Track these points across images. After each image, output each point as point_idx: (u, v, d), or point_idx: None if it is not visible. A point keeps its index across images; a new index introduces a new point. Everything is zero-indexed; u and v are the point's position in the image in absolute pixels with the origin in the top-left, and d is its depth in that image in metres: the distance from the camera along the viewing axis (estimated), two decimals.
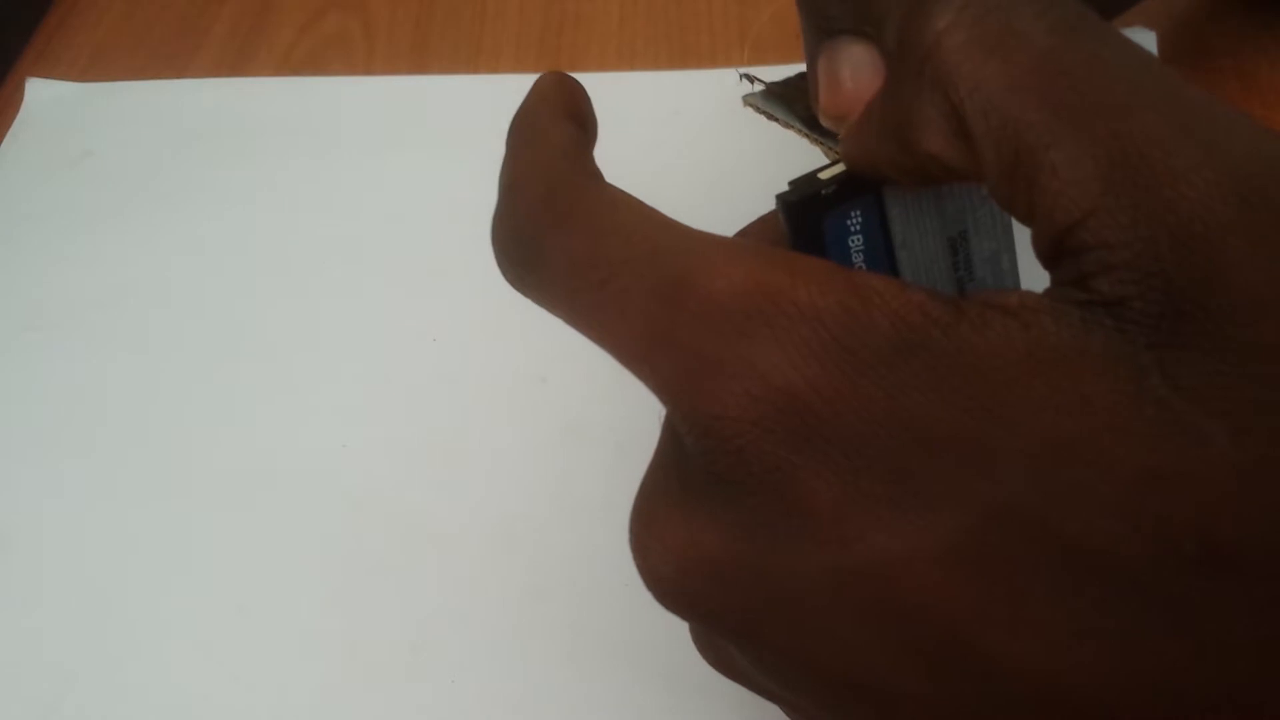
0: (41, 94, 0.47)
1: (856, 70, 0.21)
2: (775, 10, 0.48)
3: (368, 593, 0.32)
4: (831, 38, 0.22)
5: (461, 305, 0.38)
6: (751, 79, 0.26)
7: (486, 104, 0.45)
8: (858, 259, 0.21)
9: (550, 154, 0.19)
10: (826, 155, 0.23)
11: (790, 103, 0.24)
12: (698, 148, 0.42)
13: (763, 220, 0.22)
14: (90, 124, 0.46)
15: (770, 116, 0.25)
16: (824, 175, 0.20)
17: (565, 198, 0.18)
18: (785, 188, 0.20)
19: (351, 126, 0.45)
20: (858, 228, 0.20)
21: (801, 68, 0.24)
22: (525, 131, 0.20)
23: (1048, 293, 0.15)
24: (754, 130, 0.44)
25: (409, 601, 0.31)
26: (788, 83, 0.25)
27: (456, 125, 0.44)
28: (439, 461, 0.34)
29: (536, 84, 0.21)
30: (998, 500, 0.14)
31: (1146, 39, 0.45)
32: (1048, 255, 0.16)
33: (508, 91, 0.48)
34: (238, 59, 0.49)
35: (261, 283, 0.40)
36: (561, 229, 0.17)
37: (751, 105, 0.25)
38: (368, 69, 0.48)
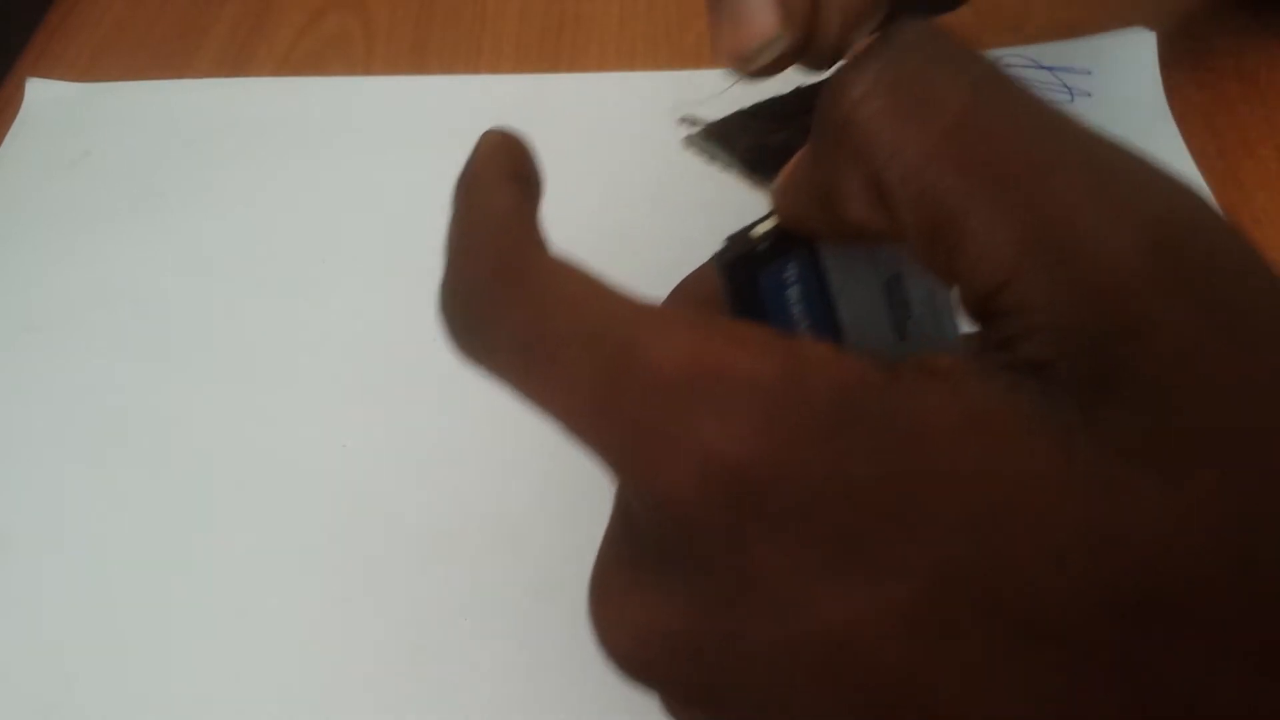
0: (41, 94, 0.47)
1: (750, 3, 0.23)
2: None
3: (368, 593, 0.32)
4: None
5: None
6: (692, 121, 0.26)
7: (486, 104, 0.45)
8: (796, 310, 0.21)
9: (496, 220, 0.19)
10: (765, 194, 0.23)
11: (731, 141, 0.24)
12: None
13: (698, 274, 0.22)
14: (90, 124, 0.46)
15: (711, 158, 0.25)
16: (758, 231, 0.20)
17: (513, 269, 0.18)
18: (723, 243, 0.21)
19: (351, 127, 0.45)
20: (794, 279, 0.21)
21: (743, 103, 0.24)
22: (470, 195, 0.19)
23: (977, 356, 0.16)
24: None
25: (409, 601, 0.31)
26: (727, 121, 0.25)
27: (456, 125, 0.44)
28: (439, 461, 0.34)
29: (480, 142, 0.20)
30: (942, 565, 0.15)
31: (1146, 39, 0.45)
32: (974, 315, 0.16)
33: (508, 91, 0.48)
34: (238, 59, 0.49)
35: (261, 282, 0.40)
36: (511, 302, 0.17)
37: (691, 147, 0.25)
38: (367, 69, 0.48)
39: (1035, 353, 0.15)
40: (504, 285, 0.18)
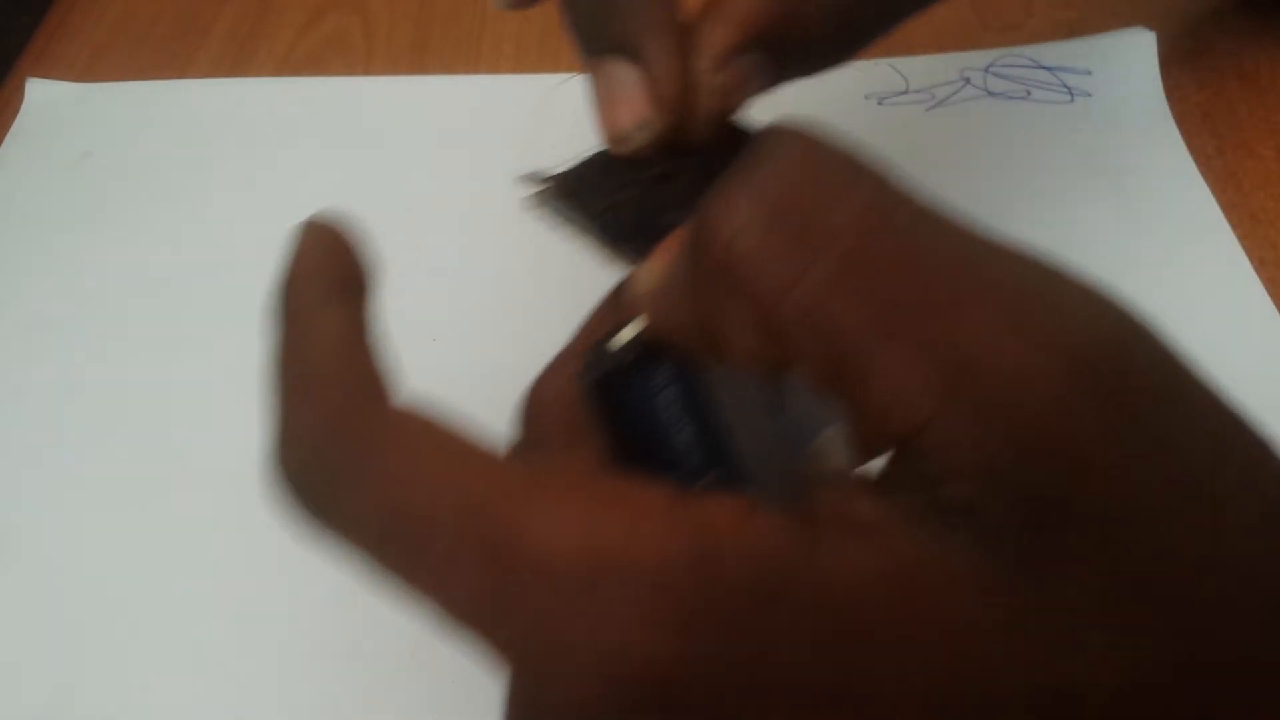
0: (41, 94, 0.47)
1: (625, 89, 0.22)
2: None
3: (368, 593, 0.32)
4: (599, 57, 0.23)
5: (462, 305, 0.38)
6: (535, 177, 0.23)
7: (486, 104, 0.45)
8: (671, 417, 0.19)
9: (328, 355, 0.16)
10: (624, 264, 0.21)
11: (584, 200, 0.22)
12: None
13: (555, 378, 0.20)
14: (90, 124, 0.46)
15: (562, 220, 0.22)
16: (620, 341, 0.18)
17: (357, 423, 0.16)
18: (585, 358, 0.19)
19: (351, 127, 0.45)
20: (665, 383, 0.18)
21: (593, 146, 0.23)
22: (293, 321, 0.17)
23: (899, 501, 0.14)
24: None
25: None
26: (576, 173, 0.23)
27: (456, 125, 0.44)
28: None
29: (296, 241, 0.18)
30: None
31: (1146, 39, 0.45)
32: (879, 450, 0.15)
33: (508, 92, 0.48)
34: (238, 59, 0.49)
35: (262, 283, 0.39)
36: (360, 469, 0.15)
37: (536, 208, 0.22)
38: (367, 69, 0.48)
39: (961, 495, 0.14)
40: (349, 446, 0.15)
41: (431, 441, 0.16)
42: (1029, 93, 0.44)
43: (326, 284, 0.17)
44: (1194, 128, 0.42)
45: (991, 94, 0.44)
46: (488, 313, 0.36)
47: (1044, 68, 0.45)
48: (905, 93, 0.44)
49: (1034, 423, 0.13)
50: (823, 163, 0.15)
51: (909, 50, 0.46)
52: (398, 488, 0.15)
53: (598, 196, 0.22)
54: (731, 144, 0.24)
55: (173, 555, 0.33)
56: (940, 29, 0.47)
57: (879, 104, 0.44)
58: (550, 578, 0.14)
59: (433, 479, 0.15)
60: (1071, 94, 0.43)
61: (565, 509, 0.15)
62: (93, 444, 0.36)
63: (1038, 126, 0.43)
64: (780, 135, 0.16)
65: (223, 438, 0.36)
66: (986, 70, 0.45)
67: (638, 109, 0.22)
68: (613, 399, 0.18)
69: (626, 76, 0.22)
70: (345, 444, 0.15)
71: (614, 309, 0.22)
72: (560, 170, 0.23)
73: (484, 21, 0.50)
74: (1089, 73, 0.44)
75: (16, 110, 0.47)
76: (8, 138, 0.46)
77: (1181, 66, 0.44)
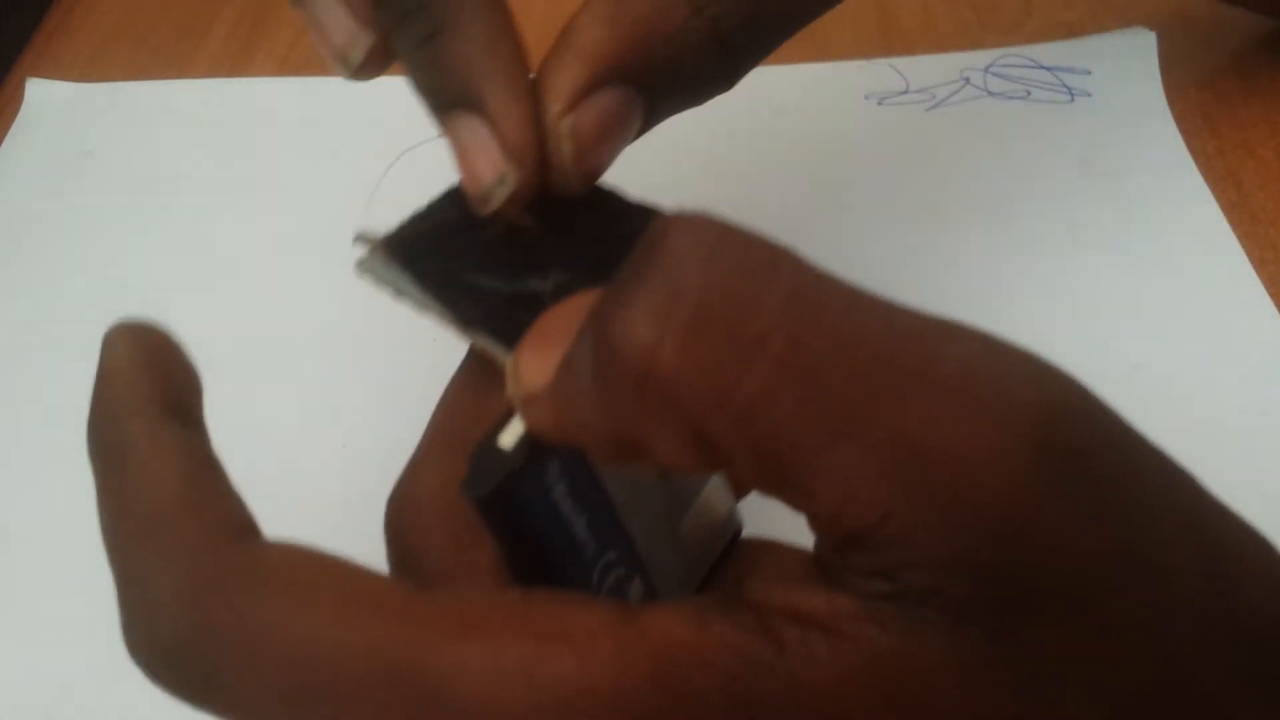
0: (42, 94, 0.47)
1: (475, 144, 0.20)
2: None
3: None
4: (445, 112, 0.21)
5: None
6: (366, 239, 0.21)
7: None
8: (567, 510, 0.17)
9: (175, 507, 0.14)
10: (476, 344, 0.19)
11: (418, 265, 0.20)
12: (697, 146, 0.42)
13: (427, 481, 0.19)
14: (90, 124, 0.46)
15: (396, 290, 0.20)
16: (506, 442, 0.16)
17: (227, 584, 0.14)
18: (469, 464, 0.17)
19: (351, 127, 0.45)
20: (558, 477, 0.17)
21: (434, 191, 0.21)
22: (120, 464, 0.15)
23: (857, 592, 0.14)
24: (754, 128, 0.44)
25: None
26: (408, 231, 0.21)
27: None
28: None
29: (104, 359, 0.15)
30: None
31: (1146, 39, 0.45)
32: (830, 543, 0.14)
33: None
34: (238, 59, 0.49)
35: (262, 282, 0.40)
36: (241, 639, 0.13)
37: (367, 275, 0.21)
38: None
39: (923, 581, 0.13)
40: (224, 601, 0.13)
41: (321, 581, 0.14)
42: (1029, 93, 0.44)
43: (153, 407, 0.15)
44: (1194, 128, 0.42)
45: (991, 94, 0.44)
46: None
47: (1044, 68, 0.45)
48: (905, 93, 0.44)
49: (996, 506, 0.13)
50: (735, 252, 0.14)
51: (909, 50, 0.46)
52: (297, 646, 0.13)
53: (438, 261, 0.20)
54: (590, 204, 0.22)
55: None
56: (940, 29, 0.47)
57: (879, 104, 0.44)
58: None
59: (337, 630, 0.13)
60: (1071, 94, 0.43)
61: (504, 650, 0.13)
62: None
63: (1037, 127, 0.43)
64: (681, 223, 0.14)
65: (223, 437, 0.36)
66: (986, 70, 0.45)
67: (491, 163, 0.20)
68: (507, 503, 0.16)
69: (475, 130, 0.21)
70: (219, 599, 0.13)
71: (472, 399, 0.20)
72: (393, 230, 0.21)
73: None
74: (1089, 73, 0.44)
75: (17, 110, 0.47)
76: (8, 137, 0.46)
77: (1181, 66, 0.44)
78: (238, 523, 0.15)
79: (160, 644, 0.14)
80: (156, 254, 0.41)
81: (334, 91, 0.47)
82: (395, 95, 0.47)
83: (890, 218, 0.40)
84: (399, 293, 0.20)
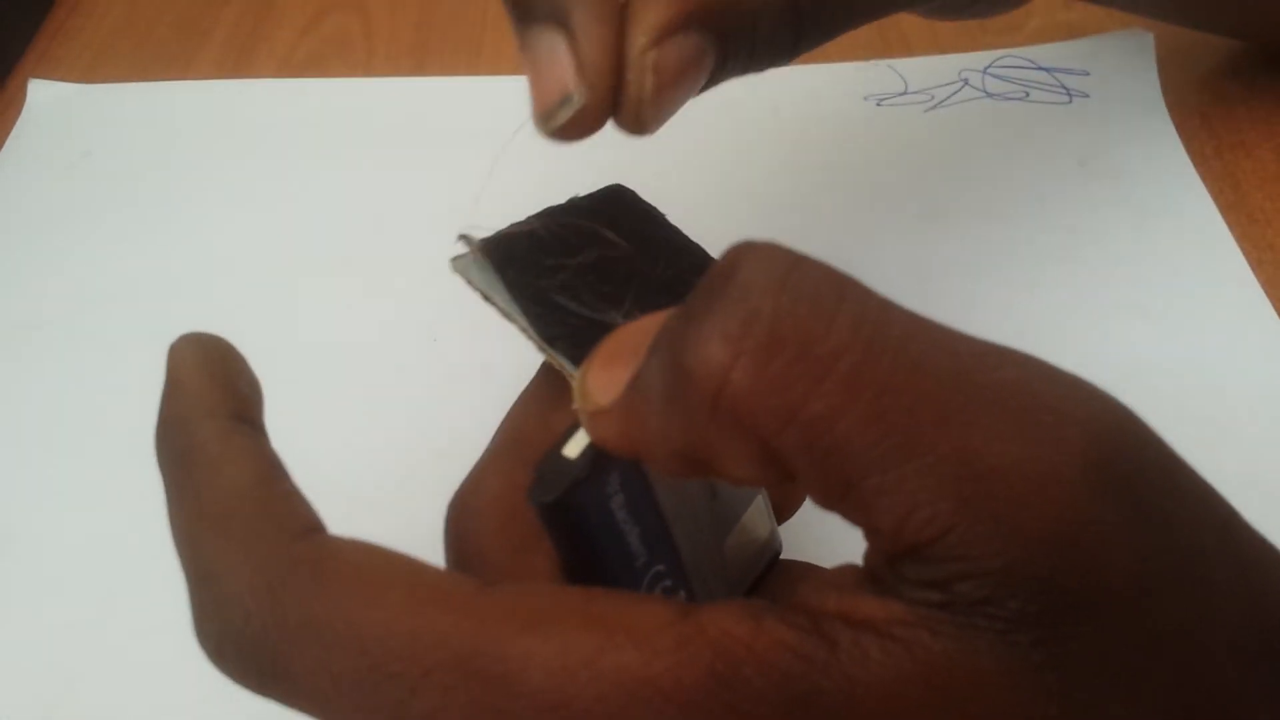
0: (43, 95, 0.47)
1: (551, 60, 0.20)
2: None
3: None
4: (527, 25, 0.21)
5: (462, 305, 0.38)
6: (467, 239, 0.21)
7: (486, 105, 0.46)
8: (621, 519, 0.18)
9: (247, 506, 0.15)
10: (552, 360, 0.20)
11: (510, 275, 0.21)
12: (697, 145, 0.42)
13: (490, 489, 0.19)
14: (91, 125, 0.46)
15: (484, 295, 0.21)
16: (572, 452, 0.17)
17: (300, 578, 0.14)
18: (535, 473, 0.18)
19: (352, 128, 0.45)
20: (617, 488, 0.18)
21: (532, 210, 0.21)
22: (192, 468, 0.16)
23: (912, 600, 0.14)
24: (754, 129, 0.44)
25: None
26: (508, 239, 0.21)
27: (457, 127, 0.44)
28: (440, 461, 0.34)
29: (170, 370, 0.16)
30: None
31: (1145, 40, 0.45)
32: (884, 556, 0.15)
33: (508, 93, 0.48)
34: (238, 60, 0.49)
35: (261, 283, 0.40)
36: (313, 630, 0.14)
37: (461, 274, 0.21)
38: (368, 70, 0.48)
39: (976, 592, 0.14)
40: (297, 594, 0.14)
41: (390, 574, 0.14)
42: (1027, 94, 0.44)
43: (222, 411, 0.16)
44: (1192, 128, 0.42)
45: (990, 95, 0.44)
46: (488, 313, 0.36)
47: (1042, 69, 0.45)
48: (904, 93, 0.44)
49: (1052, 519, 0.14)
50: (805, 280, 0.15)
51: (908, 51, 0.46)
52: (368, 636, 0.14)
53: (531, 275, 0.21)
54: (673, 247, 0.23)
55: (174, 555, 0.33)
56: (939, 30, 0.47)
57: (878, 105, 0.44)
58: None
59: (407, 620, 0.14)
60: (1070, 95, 0.44)
61: (569, 641, 0.14)
62: (92, 444, 0.36)
63: (1036, 127, 0.43)
64: (754, 251, 0.15)
65: None
66: (985, 71, 0.45)
67: (563, 81, 0.21)
68: (569, 511, 0.17)
69: (554, 45, 0.21)
70: (293, 593, 0.14)
71: (537, 412, 0.21)
72: (493, 235, 0.21)
73: (485, 23, 0.50)
74: (1087, 73, 0.44)
75: (18, 111, 0.47)
76: (10, 138, 0.46)
77: (1179, 67, 0.44)
78: (306, 520, 0.15)
79: (234, 636, 0.14)
80: (157, 254, 0.41)
81: (334, 92, 0.47)
82: (396, 95, 0.47)
83: (889, 218, 0.40)
84: (487, 297, 0.21)
